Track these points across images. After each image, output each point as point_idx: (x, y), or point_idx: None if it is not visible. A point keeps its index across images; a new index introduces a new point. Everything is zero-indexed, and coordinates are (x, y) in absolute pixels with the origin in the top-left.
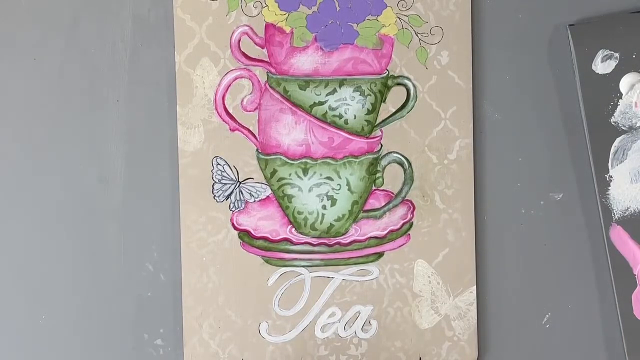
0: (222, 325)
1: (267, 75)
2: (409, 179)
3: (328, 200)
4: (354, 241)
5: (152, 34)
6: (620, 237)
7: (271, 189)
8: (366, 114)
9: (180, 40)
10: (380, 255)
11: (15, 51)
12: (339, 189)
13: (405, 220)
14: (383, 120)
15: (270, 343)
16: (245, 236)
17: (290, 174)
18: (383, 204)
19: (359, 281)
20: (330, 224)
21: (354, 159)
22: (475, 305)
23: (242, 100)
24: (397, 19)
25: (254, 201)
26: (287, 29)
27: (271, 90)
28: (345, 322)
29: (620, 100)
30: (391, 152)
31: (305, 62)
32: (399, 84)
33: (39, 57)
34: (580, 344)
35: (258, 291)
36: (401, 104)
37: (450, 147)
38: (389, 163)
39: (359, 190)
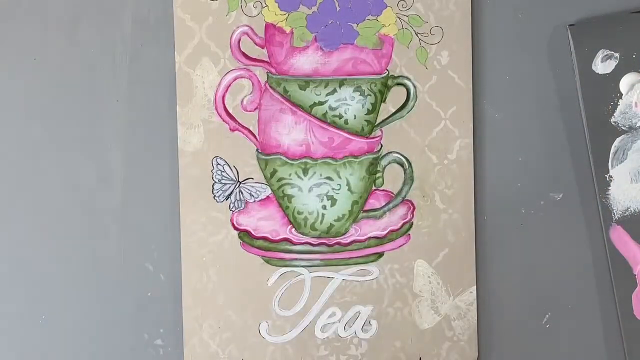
0: (222, 325)
1: (267, 75)
2: (409, 179)
3: (328, 200)
4: (354, 241)
5: (152, 34)
6: (620, 237)
7: (271, 189)
8: (366, 114)
9: (180, 40)
10: (380, 255)
11: (15, 51)
12: (339, 189)
13: (405, 220)
14: (383, 120)
15: (270, 343)
16: (245, 236)
17: (290, 174)
18: (383, 204)
19: (359, 281)
20: (330, 224)
21: (354, 159)
22: (475, 305)
23: (242, 100)
24: (397, 19)
25: (254, 201)
26: (287, 29)
27: (271, 90)
28: (345, 322)
29: (620, 100)
30: (391, 152)
31: (305, 62)
32: (399, 84)
33: (39, 57)
34: (580, 344)
35: (258, 291)
36: (401, 104)
37: (450, 147)
38: (389, 163)
39: (359, 190)
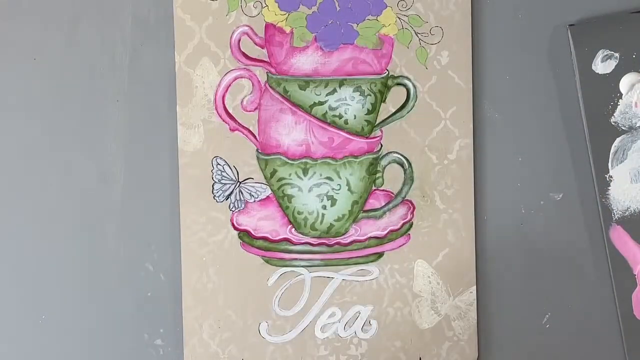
0: (222, 325)
1: (267, 75)
2: (409, 179)
3: (328, 200)
4: (354, 241)
5: (152, 34)
6: (620, 237)
7: (271, 189)
8: (366, 114)
9: (180, 40)
10: (380, 255)
11: (15, 51)
12: (339, 189)
13: (405, 220)
14: (383, 120)
15: (270, 343)
16: (245, 236)
17: (290, 174)
18: (383, 204)
19: (359, 281)
20: (330, 224)
21: (354, 159)
22: (475, 305)
23: (242, 100)
24: (397, 19)
25: (254, 201)
26: (287, 29)
27: (271, 90)
28: (345, 322)
29: (620, 100)
30: (391, 152)
31: (305, 62)
32: (399, 84)
33: (39, 57)
34: (580, 344)
35: (258, 291)
36: (401, 104)
37: (450, 147)
38: (389, 163)
39: (359, 190)
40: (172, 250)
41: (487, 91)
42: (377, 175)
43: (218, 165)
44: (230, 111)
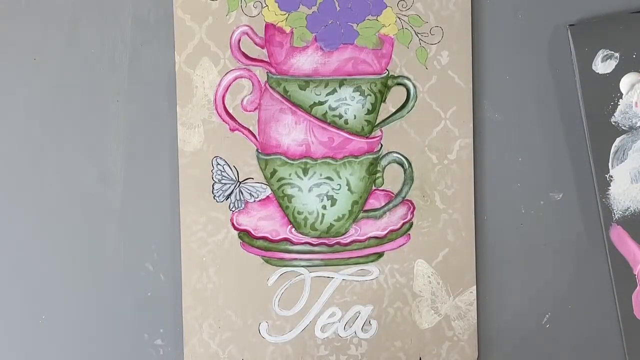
0: (222, 325)
1: (267, 75)
2: (409, 179)
3: (328, 200)
4: (354, 241)
5: (152, 34)
6: (620, 237)
7: (271, 189)
8: (366, 114)
9: (180, 40)
10: (380, 255)
11: (15, 51)
12: (339, 189)
13: (405, 220)
14: (383, 120)
15: (270, 343)
16: (245, 236)
17: (290, 174)
18: (383, 204)
19: (359, 281)
20: (330, 224)
21: (354, 159)
22: (475, 305)
23: (242, 100)
24: (397, 19)
25: (254, 201)
26: (287, 29)
27: (271, 90)
28: (345, 322)
29: (620, 100)
30: (391, 152)
31: (305, 62)
32: (399, 84)
33: (39, 57)
34: (580, 344)
35: (258, 291)
36: (401, 104)
37: (450, 147)
38: (389, 163)
39: (359, 190)
40: (172, 250)
41: (487, 91)
42: (377, 175)
43: (218, 165)
44: (230, 111)
